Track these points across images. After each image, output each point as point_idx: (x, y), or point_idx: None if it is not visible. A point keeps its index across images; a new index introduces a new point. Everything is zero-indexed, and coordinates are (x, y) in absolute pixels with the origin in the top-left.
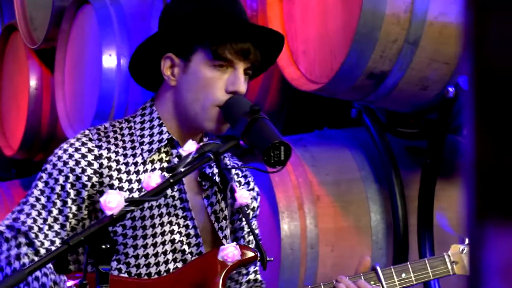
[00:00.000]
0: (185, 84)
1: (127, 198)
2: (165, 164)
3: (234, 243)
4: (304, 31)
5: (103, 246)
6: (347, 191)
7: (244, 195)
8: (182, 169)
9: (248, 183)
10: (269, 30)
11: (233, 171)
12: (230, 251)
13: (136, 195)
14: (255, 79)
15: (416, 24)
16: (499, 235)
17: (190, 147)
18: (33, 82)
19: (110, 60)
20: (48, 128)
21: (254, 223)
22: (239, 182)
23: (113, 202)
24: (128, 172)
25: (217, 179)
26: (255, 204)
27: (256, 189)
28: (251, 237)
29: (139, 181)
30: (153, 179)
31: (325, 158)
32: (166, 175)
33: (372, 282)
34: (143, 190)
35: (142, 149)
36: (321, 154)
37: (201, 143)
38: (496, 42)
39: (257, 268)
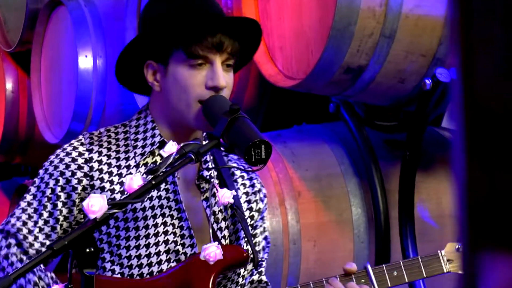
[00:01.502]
0: (168, 87)
1: (110, 201)
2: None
3: (216, 242)
4: (280, 28)
5: (87, 250)
6: (327, 186)
7: (226, 195)
8: (164, 170)
9: (253, 186)
10: (239, 18)
11: (238, 173)
12: (212, 251)
13: None
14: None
15: (392, 17)
16: (493, 265)
17: (171, 148)
18: (9, 85)
19: (86, 61)
20: (25, 131)
21: (262, 225)
22: (244, 184)
23: (96, 205)
24: (119, 175)
25: (216, 181)
26: (261, 205)
27: (264, 190)
28: (258, 238)
29: None
30: (135, 181)
31: (304, 153)
32: (148, 177)
33: (362, 281)
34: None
35: (135, 153)
36: (301, 150)
37: (182, 144)
38: (484, 78)
39: (262, 269)
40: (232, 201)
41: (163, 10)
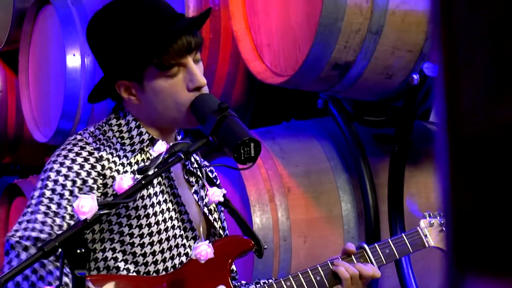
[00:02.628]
0: (148, 100)
1: (100, 201)
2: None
3: (207, 241)
4: (267, 25)
5: (78, 251)
6: (317, 182)
7: (216, 193)
8: (154, 170)
9: (216, 178)
10: (197, 18)
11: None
12: (203, 249)
13: None
14: (221, 73)
15: (378, 13)
16: (477, 286)
17: (160, 147)
18: None
19: (74, 60)
20: (14, 130)
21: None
22: (211, 171)
23: (86, 206)
24: (125, 173)
25: (200, 173)
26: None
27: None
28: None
29: None
30: (125, 181)
31: (294, 149)
32: (137, 176)
33: (362, 260)
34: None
35: (124, 150)
36: (290, 146)
37: (171, 143)
38: (469, 101)
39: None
40: (221, 199)
41: (119, 30)
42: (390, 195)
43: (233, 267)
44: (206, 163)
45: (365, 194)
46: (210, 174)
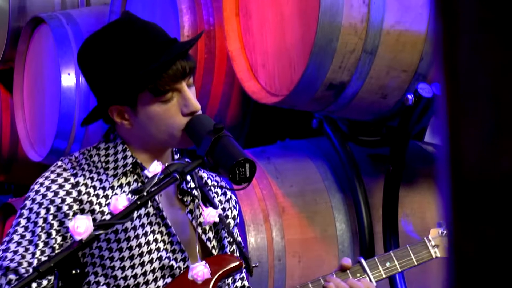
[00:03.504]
0: (142, 124)
1: (95, 222)
2: (134, 187)
3: (204, 261)
4: (262, 45)
5: (73, 271)
6: (312, 202)
7: (211, 214)
8: (149, 191)
9: (225, 194)
10: (191, 41)
11: (210, 182)
12: (199, 270)
13: None
14: (216, 92)
15: (373, 33)
16: None
17: (155, 168)
18: None
19: (69, 79)
20: (8, 149)
21: (236, 232)
22: (216, 193)
23: (81, 227)
24: (106, 197)
25: (196, 193)
26: (235, 212)
27: (234, 197)
28: (234, 246)
29: None
30: (120, 202)
31: (288, 169)
32: (133, 197)
33: (358, 275)
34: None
35: (107, 174)
36: (285, 166)
37: (166, 164)
38: (471, 148)
39: (243, 274)
40: (217, 220)
41: (112, 56)
42: (384, 215)
43: (245, 282)
44: (218, 178)
45: (359, 214)
46: (219, 190)
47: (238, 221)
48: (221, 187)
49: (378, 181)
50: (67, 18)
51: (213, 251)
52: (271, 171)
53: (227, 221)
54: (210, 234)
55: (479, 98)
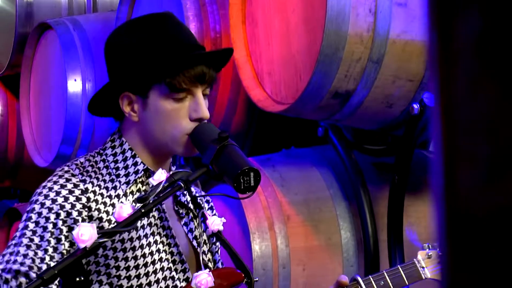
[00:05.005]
0: (148, 119)
1: (99, 230)
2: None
3: (207, 270)
4: (268, 53)
5: (77, 279)
6: (316, 210)
7: (215, 222)
8: (153, 199)
9: (212, 208)
10: (220, 51)
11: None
12: (203, 278)
13: None
14: (222, 100)
15: (379, 42)
16: None
17: (160, 176)
18: None
19: (75, 85)
20: (15, 154)
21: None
22: (208, 201)
23: (85, 234)
24: (113, 205)
25: (191, 206)
26: (215, 212)
27: (214, 209)
28: (218, 256)
29: None
30: (124, 209)
31: (293, 177)
32: (138, 205)
33: None
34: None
35: (120, 182)
36: (290, 174)
37: (171, 172)
38: (467, 186)
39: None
40: (221, 228)
41: (139, 42)
42: (389, 223)
43: None
44: (203, 192)
45: (364, 222)
46: (206, 204)
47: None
48: (227, 196)
49: (383, 189)
50: (74, 24)
51: (209, 264)
52: (276, 179)
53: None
54: (206, 248)
55: (475, 134)
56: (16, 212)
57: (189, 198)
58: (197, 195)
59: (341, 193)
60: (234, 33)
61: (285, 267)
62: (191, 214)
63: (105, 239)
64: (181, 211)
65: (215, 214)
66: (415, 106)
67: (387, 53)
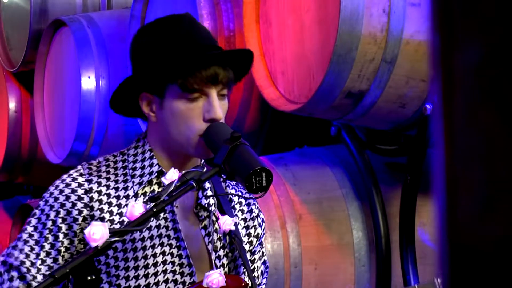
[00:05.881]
0: (164, 119)
1: (111, 229)
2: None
3: (219, 269)
4: (281, 52)
5: (89, 278)
6: (328, 209)
7: (227, 222)
8: (165, 198)
9: (251, 211)
10: (232, 51)
11: (236, 199)
12: (214, 278)
13: None
14: (235, 99)
15: (393, 43)
16: None
17: (172, 175)
18: (12, 105)
19: (89, 82)
20: (28, 150)
21: (260, 250)
22: (242, 210)
23: (97, 233)
24: (119, 205)
25: (213, 208)
26: (259, 230)
27: (261, 215)
28: (257, 264)
29: None
30: (136, 209)
31: (306, 176)
32: (150, 204)
33: None
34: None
35: (133, 182)
36: (302, 173)
37: (183, 171)
38: (466, 216)
39: None
40: (233, 228)
41: (155, 43)
42: (401, 224)
43: None
44: (242, 190)
45: (376, 222)
46: (239, 205)
47: (262, 240)
48: (239, 196)
49: (395, 189)
50: (88, 21)
51: (221, 269)
52: (289, 178)
53: (250, 239)
54: (221, 252)
55: (473, 165)
56: (29, 208)
57: (212, 201)
58: (233, 191)
59: (354, 192)
60: (247, 32)
61: (297, 266)
62: (213, 217)
63: (117, 238)
64: (200, 214)
65: (256, 216)
66: (428, 106)
67: (400, 54)
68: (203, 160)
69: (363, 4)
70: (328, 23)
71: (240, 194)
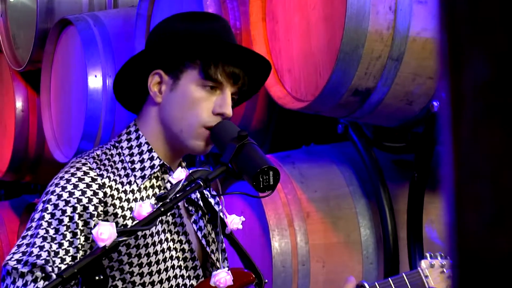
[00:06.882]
0: (171, 101)
1: (119, 228)
2: (157, 190)
3: (226, 268)
4: (288, 50)
5: (97, 278)
6: (336, 207)
7: (235, 221)
8: (173, 197)
9: (218, 204)
10: (260, 56)
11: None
12: (222, 277)
13: None
14: None
15: (399, 40)
16: None
17: (179, 174)
18: (19, 104)
19: (95, 81)
20: (35, 149)
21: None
22: (217, 203)
23: (105, 233)
24: (128, 200)
25: (201, 203)
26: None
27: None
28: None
29: None
30: (144, 208)
31: (313, 174)
32: (157, 203)
33: None
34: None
35: (135, 176)
36: (309, 171)
37: (191, 170)
38: (474, 230)
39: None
40: (240, 227)
41: (181, 28)
42: (409, 221)
43: None
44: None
45: (384, 219)
46: (212, 200)
47: None
48: (246, 195)
49: (403, 187)
50: (94, 20)
51: (217, 263)
52: (296, 176)
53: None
54: (213, 247)
55: (480, 180)
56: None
57: (199, 196)
58: (209, 194)
59: (361, 190)
60: (254, 30)
61: (305, 264)
62: (200, 212)
63: (125, 238)
64: (190, 208)
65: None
66: (435, 103)
67: (407, 51)
68: (202, 157)
69: (369, 2)
70: (334, 21)
71: (245, 193)
